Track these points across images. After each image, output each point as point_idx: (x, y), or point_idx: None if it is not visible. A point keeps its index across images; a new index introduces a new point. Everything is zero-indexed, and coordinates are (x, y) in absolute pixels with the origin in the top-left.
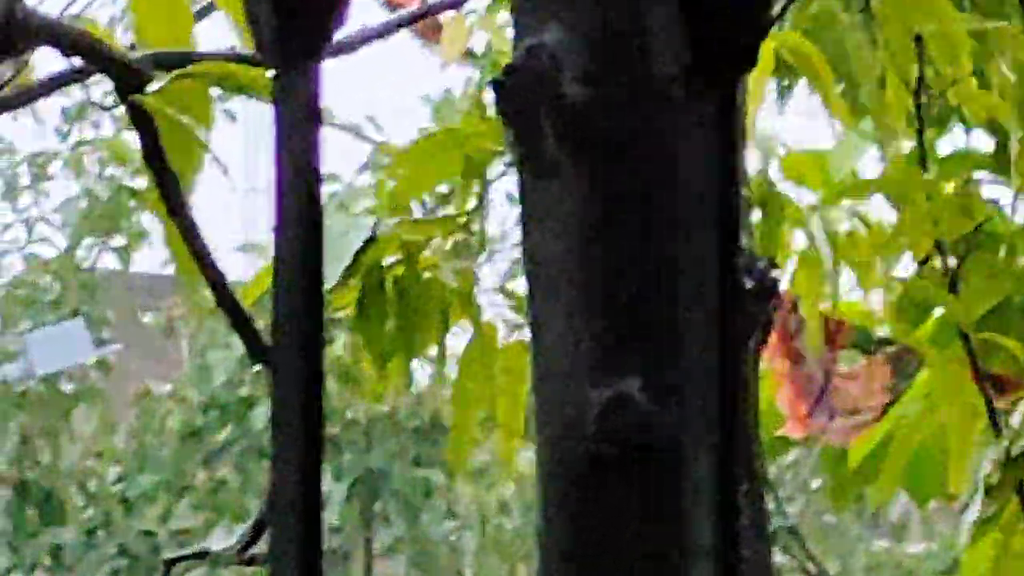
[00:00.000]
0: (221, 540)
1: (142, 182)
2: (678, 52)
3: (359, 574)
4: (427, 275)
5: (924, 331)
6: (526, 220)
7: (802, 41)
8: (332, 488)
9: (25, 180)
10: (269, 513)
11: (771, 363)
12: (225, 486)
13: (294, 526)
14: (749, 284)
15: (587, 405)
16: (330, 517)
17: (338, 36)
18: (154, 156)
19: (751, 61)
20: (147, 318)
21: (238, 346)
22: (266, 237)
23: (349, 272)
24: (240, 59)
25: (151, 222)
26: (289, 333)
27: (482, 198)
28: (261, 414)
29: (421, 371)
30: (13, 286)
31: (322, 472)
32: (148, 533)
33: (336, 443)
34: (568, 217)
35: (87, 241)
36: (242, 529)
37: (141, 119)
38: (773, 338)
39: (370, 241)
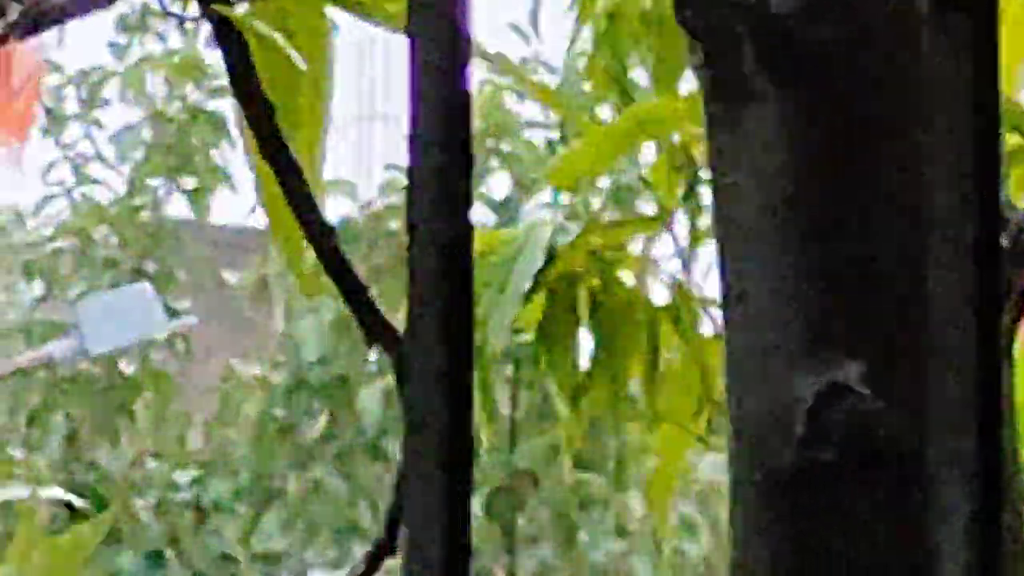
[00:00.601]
0: (321, 567)
1: (223, 104)
2: None
3: None
4: (628, 285)
5: None
6: (716, 166)
7: None
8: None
9: (73, 106)
10: (404, 538)
11: None
12: (321, 493)
13: (435, 557)
14: (1003, 242)
15: (794, 399)
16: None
17: None
18: (243, 82)
19: None
20: (231, 278)
21: (329, 309)
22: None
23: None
24: None
25: (234, 159)
26: (428, 310)
27: (691, 188)
28: (366, 398)
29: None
30: (57, 238)
31: (470, 488)
32: (226, 557)
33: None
34: (771, 159)
35: (152, 183)
36: (346, 549)
37: (227, 36)
38: None
39: (550, 260)
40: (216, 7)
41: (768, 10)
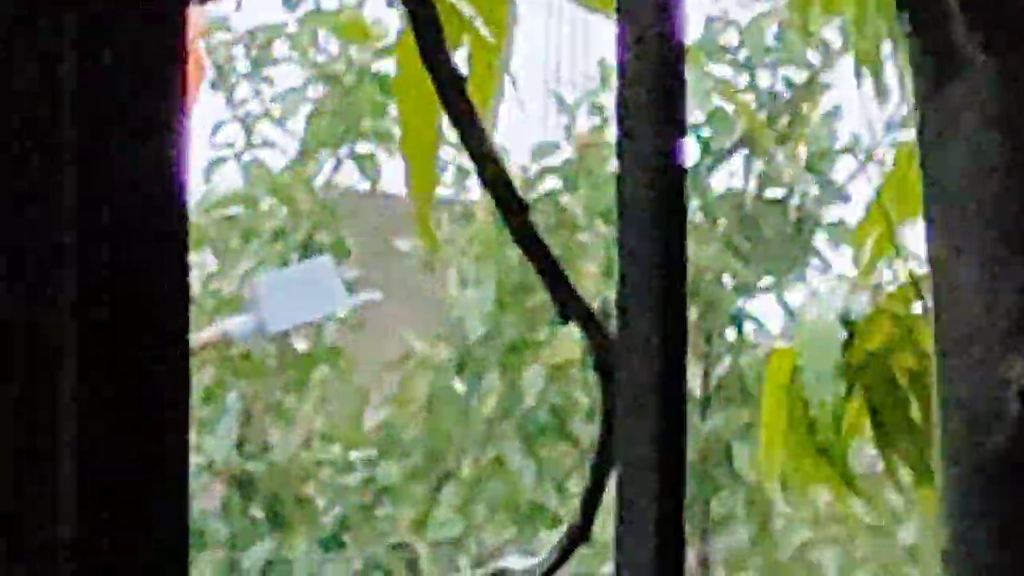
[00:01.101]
0: (512, 554)
1: (389, 66)
2: None
3: None
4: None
5: None
6: (924, 138)
7: None
8: None
9: (243, 65)
10: (616, 528)
11: None
12: (499, 475)
13: (648, 551)
14: None
15: (1007, 379)
16: None
17: None
18: (432, 49)
19: None
20: (404, 246)
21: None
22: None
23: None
24: None
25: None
26: (640, 289)
27: None
28: (533, 377)
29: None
30: (225, 205)
31: (684, 477)
32: (399, 546)
33: None
34: (982, 128)
35: (322, 150)
36: (529, 533)
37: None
38: None
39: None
40: None
41: None
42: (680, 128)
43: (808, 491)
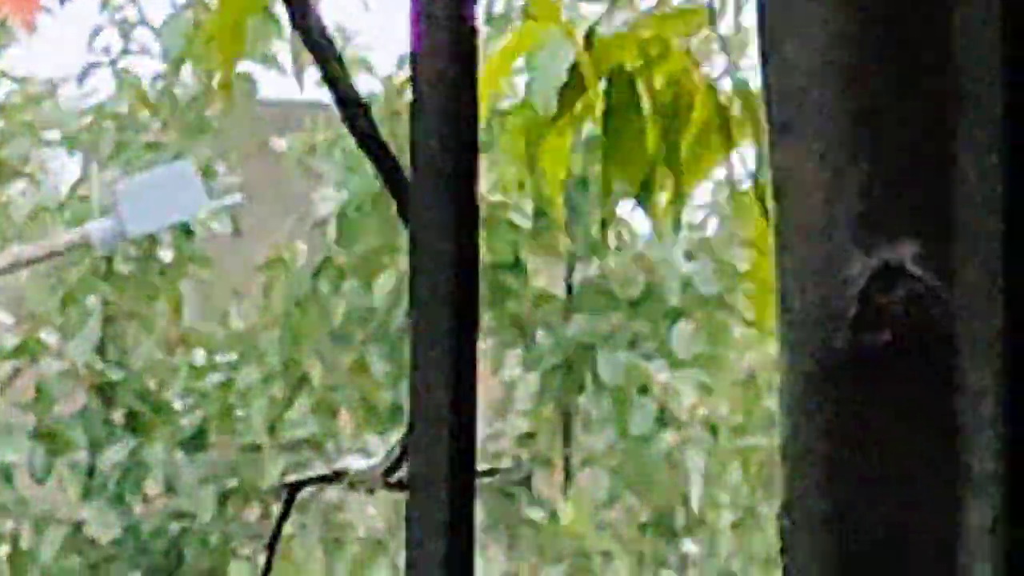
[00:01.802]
0: (358, 457)
1: None
2: None
3: (556, 491)
4: (695, 80)
5: None
6: (766, 26)
7: None
8: (521, 379)
9: None
10: (409, 427)
11: None
12: (358, 377)
13: (442, 443)
14: None
15: (847, 279)
16: (520, 422)
17: None
18: None
19: None
20: (279, 146)
21: (366, 181)
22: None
23: (569, 93)
24: None
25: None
26: (431, 165)
27: None
28: (387, 280)
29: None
30: (100, 115)
31: (475, 370)
32: (254, 448)
33: (523, 324)
34: (821, 16)
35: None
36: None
37: None
38: None
39: (590, 36)
40: None
41: None
42: (472, 93)
43: None
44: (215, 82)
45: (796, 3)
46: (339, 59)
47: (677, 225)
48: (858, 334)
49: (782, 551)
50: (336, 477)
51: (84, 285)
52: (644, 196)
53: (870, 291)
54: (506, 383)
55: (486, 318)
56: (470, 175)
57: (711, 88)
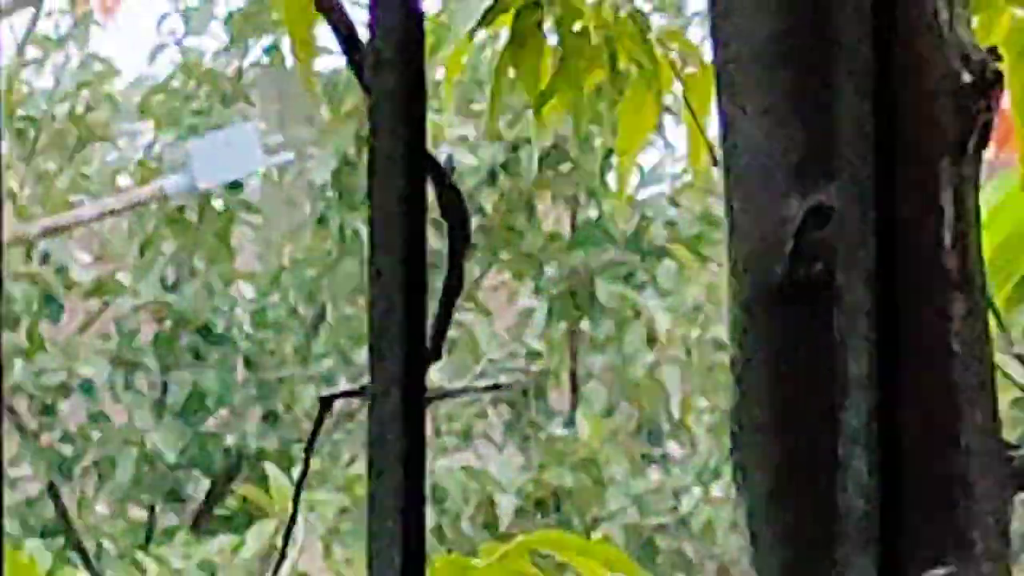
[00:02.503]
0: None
1: None
2: None
3: (563, 405)
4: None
5: None
6: (716, 4)
7: None
8: (532, 308)
9: None
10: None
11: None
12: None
13: (397, 356)
14: (967, 76)
15: (785, 218)
16: (533, 339)
17: None
18: None
19: None
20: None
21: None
22: None
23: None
24: None
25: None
26: (384, 142)
27: None
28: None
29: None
30: (166, 87)
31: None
32: (282, 381)
33: (534, 259)
34: (767, 5)
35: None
36: None
37: None
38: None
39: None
40: None
41: None
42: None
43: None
44: (273, 54)
45: None
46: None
47: (623, 188)
48: (794, 265)
49: (731, 451)
50: (362, 391)
51: (155, 231)
52: (538, 114)
53: (804, 229)
54: (520, 311)
55: (502, 254)
56: (419, 151)
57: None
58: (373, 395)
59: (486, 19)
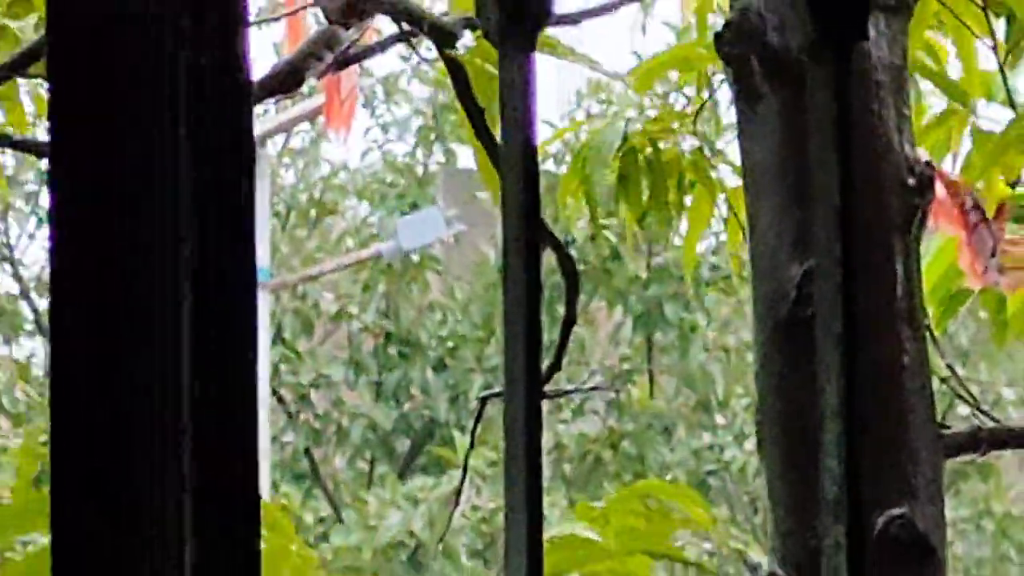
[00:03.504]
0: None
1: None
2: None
3: (643, 390)
4: (669, 154)
5: None
6: (742, 138)
7: None
8: (622, 324)
9: (380, 95)
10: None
11: (953, 233)
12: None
13: (520, 365)
14: (911, 180)
15: (789, 277)
16: (618, 350)
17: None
18: (465, 95)
19: (861, 35)
20: (483, 195)
21: None
22: None
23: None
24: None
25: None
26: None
27: (703, 104)
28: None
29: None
30: (374, 180)
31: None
32: (469, 370)
33: (622, 292)
34: (771, 133)
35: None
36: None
37: (454, 67)
38: (954, 214)
39: (625, 139)
40: (447, 50)
41: (769, 48)
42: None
43: None
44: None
45: (758, 119)
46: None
47: (690, 258)
48: (794, 309)
49: (758, 432)
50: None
51: (373, 278)
52: (643, 224)
53: (802, 284)
54: (614, 327)
55: (601, 290)
56: (539, 228)
57: (701, 157)
58: (507, 395)
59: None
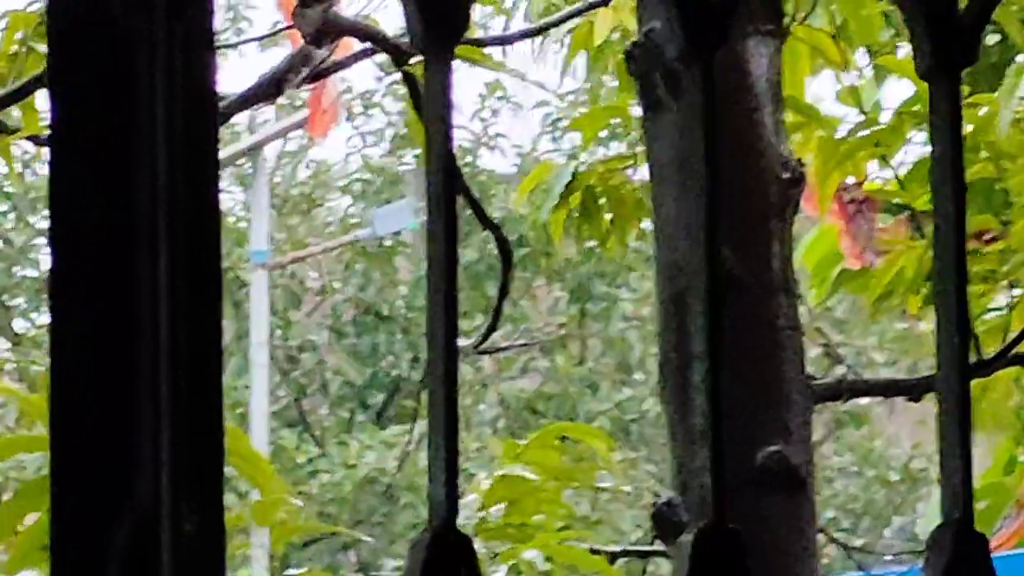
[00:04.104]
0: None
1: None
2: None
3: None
4: (623, 189)
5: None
6: (649, 140)
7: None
8: (559, 296)
9: (358, 108)
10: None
11: (834, 222)
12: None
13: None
14: (786, 174)
15: (682, 253)
16: (555, 319)
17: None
18: (416, 99)
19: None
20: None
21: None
22: None
23: (564, 195)
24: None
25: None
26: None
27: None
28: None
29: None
30: (354, 178)
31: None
32: (421, 340)
33: (558, 271)
34: (670, 135)
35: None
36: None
37: (406, 76)
38: (835, 206)
39: (574, 177)
40: (404, 67)
41: (668, 66)
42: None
43: None
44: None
45: (660, 125)
46: None
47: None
48: (685, 278)
49: (659, 381)
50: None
51: (353, 259)
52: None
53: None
54: (553, 300)
55: (542, 269)
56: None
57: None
58: (428, 361)
59: (564, 196)
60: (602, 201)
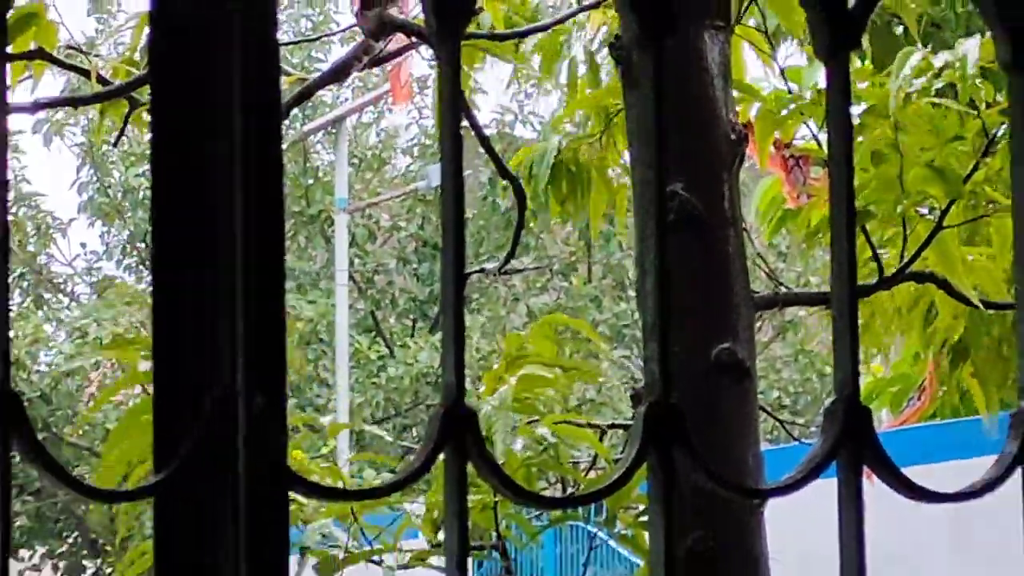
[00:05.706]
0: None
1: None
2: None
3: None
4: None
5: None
6: (628, 111)
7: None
8: (570, 231)
9: (416, 88)
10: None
11: (776, 172)
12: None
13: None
14: (733, 136)
15: (666, 194)
16: (568, 248)
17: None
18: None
19: (671, 31)
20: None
21: None
22: None
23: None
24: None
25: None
26: None
27: (607, 125)
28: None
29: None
30: (414, 142)
31: None
32: (470, 261)
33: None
34: (643, 107)
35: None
36: None
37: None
38: (777, 159)
39: (559, 150)
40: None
41: (630, 52)
42: None
43: None
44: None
45: (636, 98)
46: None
47: (595, 228)
48: (667, 219)
49: (637, 301)
50: None
51: (414, 204)
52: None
53: (672, 200)
54: (565, 234)
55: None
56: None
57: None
58: (441, 285)
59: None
60: (574, 168)
